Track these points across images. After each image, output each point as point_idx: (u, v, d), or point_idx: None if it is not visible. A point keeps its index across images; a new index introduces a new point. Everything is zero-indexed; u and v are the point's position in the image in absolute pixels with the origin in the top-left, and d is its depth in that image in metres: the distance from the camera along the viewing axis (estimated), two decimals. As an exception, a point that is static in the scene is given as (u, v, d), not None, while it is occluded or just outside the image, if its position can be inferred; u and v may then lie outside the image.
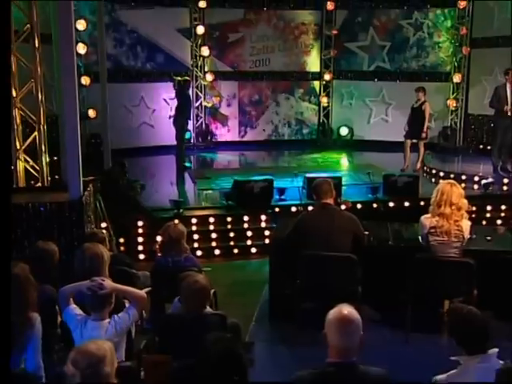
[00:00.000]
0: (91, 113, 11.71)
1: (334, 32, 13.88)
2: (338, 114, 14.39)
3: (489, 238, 5.22)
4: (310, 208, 8.34)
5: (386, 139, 13.74)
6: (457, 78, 13.50)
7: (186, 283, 3.61)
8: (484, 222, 8.67)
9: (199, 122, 13.92)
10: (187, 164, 11.27)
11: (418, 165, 10.45)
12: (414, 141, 10.88)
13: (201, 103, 13.85)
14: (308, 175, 8.88)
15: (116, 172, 7.65)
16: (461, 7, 13.27)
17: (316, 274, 4.64)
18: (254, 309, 5.85)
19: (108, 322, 3.46)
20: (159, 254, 5.07)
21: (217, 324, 3.61)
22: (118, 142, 11.96)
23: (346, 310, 2.57)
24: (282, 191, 8.82)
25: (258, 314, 5.71)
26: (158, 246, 5.32)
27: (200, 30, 13.33)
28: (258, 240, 8.01)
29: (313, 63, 14.31)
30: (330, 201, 4.84)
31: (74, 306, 3.57)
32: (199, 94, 13.82)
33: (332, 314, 2.60)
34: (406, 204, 8.76)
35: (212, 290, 5.33)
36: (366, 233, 5.37)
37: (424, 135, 10.46)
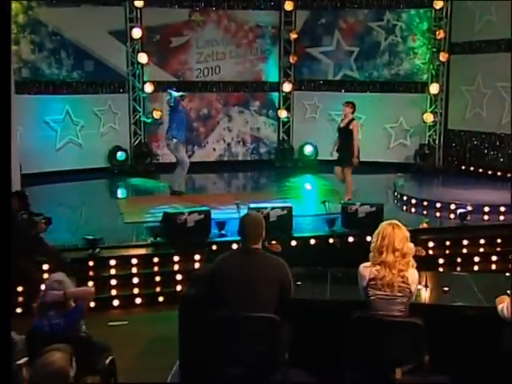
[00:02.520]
0: None
1: (294, 36, 13.77)
2: (300, 131, 14.25)
3: (446, 288, 4.92)
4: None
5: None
6: (434, 89, 13.43)
7: (37, 364, 3.21)
8: (459, 260, 8.46)
9: (136, 141, 13.56)
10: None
11: (347, 197, 10.02)
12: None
13: (139, 118, 13.51)
14: (253, 205, 8.59)
15: (13, 204, 7.21)
16: (437, 7, 13.25)
17: (232, 337, 4.27)
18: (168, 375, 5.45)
19: None
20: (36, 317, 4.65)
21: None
22: (32, 164, 11.69)
23: None
24: (221, 225, 8.47)
25: (171, 381, 5.32)
26: (34, 306, 4.90)
27: (137, 32, 13.05)
28: (190, 285, 7.62)
29: (270, 72, 14.19)
30: (257, 245, 4.51)
31: None
32: (137, 107, 13.50)
33: None
34: (368, 239, 8.42)
35: (109, 358, 4.98)
36: (299, 283, 5.04)
37: (355, 161, 9.87)
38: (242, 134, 14.22)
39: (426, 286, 5.03)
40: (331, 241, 8.42)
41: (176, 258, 7.91)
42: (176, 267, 7.88)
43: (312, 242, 8.35)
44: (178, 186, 10.95)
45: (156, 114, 13.49)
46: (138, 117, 13.51)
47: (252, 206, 8.62)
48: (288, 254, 8.07)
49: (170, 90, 11.18)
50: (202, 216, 8.27)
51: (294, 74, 14.06)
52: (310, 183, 13.19)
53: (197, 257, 7.94)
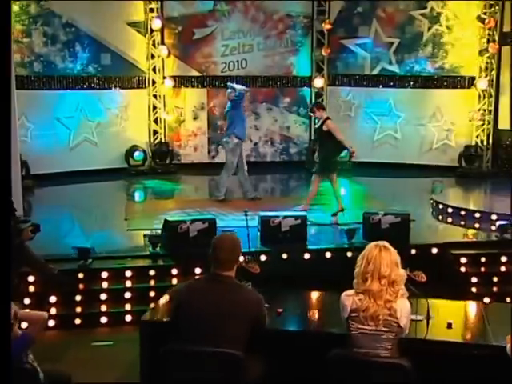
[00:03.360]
0: (9, 129, 11.19)
1: (328, 26, 13.25)
2: None
3: (451, 321, 4.39)
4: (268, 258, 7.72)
5: (395, 161, 13.13)
6: (483, 84, 12.72)
7: None
8: (495, 279, 7.85)
9: (156, 140, 13.34)
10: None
11: (306, 206, 9.43)
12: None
13: (158, 116, 13.28)
14: (263, 214, 8.22)
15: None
16: (488, -7, 12.58)
17: (185, 376, 3.88)
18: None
19: None
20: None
21: None
22: (44, 164, 11.64)
23: None
24: (228, 234, 8.10)
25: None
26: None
27: (157, 24, 12.80)
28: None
29: (301, 65, 13.75)
30: (229, 272, 4.11)
31: None
32: (157, 104, 13.26)
33: None
34: None
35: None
36: (280, 310, 4.64)
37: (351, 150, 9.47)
38: (271, 133, 13.84)
39: (428, 318, 4.52)
40: (349, 254, 7.94)
41: (174, 271, 7.54)
42: (174, 281, 7.49)
43: (327, 255, 7.91)
44: (222, 193, 10.48)
45: (177, 112, 13.26)
46: (157, 114, 13.27)
47: (262, 214, 8.27)
48: (300, 268, 7.86)
49: (231, 84, 10.82)
50: (206, 225, 7.90)
51: (328, 67, 13.61)
52: (344, 187, 12.71)
53: (197, 270, 7.55)
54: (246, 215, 7.86)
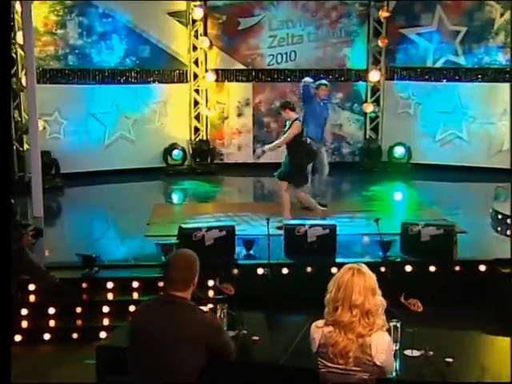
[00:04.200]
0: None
1: (385, 14, 12.72)
2: (390, 129, 13.24)
3: (450, 359, 3.89)
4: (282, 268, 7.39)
5: (460, 163, 12.56)
6: None
7: None
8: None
9: (197, 138, 13.14)
10: None
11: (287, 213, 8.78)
12: None
13: (200, 112, 13.10)
14: (287, 222, 7.87)
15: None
16: None
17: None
18: None
19: None
20: None
21: None
22: (76, 163, 11.83)
23: None
24: (249, 243, 7.80)
25: None
26: None
27: (198, 13, 12.59)
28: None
29: (356, 58, 13.23)
30: (183, 293, 3.84)
31: None
32: (198, 99, 13.07)
33: None
34: (432, 269, 7.49)
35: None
36: (255, 338, 4.27)
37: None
38: (321, 130, 13.36)
39: (427, 355, 4.03)
40: (383, 269, 7.45)
41: (185, 283, 7.27)
42: (185, 294, 7.24)
43: (358, 269, 7.44)
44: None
45: (219, 108, 13.02)
46: (199, 110, 13.06)
47: (286, 221, 7.92)
48: (326, 284, 7.43)
49: (306, 78, 10.40)
50: (224, 233, 7.63)
51: (385, 60, 13.07)
52: (401, 192, 12.21)
53: (210, 282, 7.27)
54: (267, 223, 7.59)
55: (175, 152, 12.81)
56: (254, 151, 13.42)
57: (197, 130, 13.17)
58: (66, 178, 11.72)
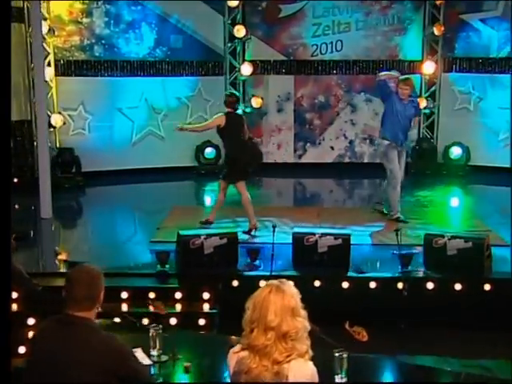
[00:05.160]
0: (56, 119, 11.27)
1: (441, -1, 12.20)
2: (447, 126, 12.80)
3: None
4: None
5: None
6: None
7: None
8: None
9: (233, 135, 12.91)
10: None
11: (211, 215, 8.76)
12: None
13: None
14: (296, 230, 7.52)
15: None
16: None
17: None
18: None
19: None
20: None
21: None
22: (102, 161, 11.85)
23: None
24: (254, 253, 7.49)
25: None
26: None
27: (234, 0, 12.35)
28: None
29: (410, 47, 12.84)
30: (86, 313, 3.58)
31: None
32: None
33: None
34: (458, 287, 6.98)
35: None
36: (187, 364, 3.97)
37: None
38: (370, 129, 12.91)
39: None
40: (400, 286, 7.03)
41: (178, 295, 7.02)
42: (178, 307, 6.99)
43: (372, 285, 7.04)
44: (397, 211, 9.30)
45: (256, 102, 12.73)
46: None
47: (296, 229, 7.58)
48: (336, 300, 7.05)
49: (381, 72, 9.84)
50: (225, 240, 7.36)
51: (443, 50, 12.62)
52: (457, 198, 11.72)
53: (205, 295, 7.02)
54: (273, 230, 7.30)
55: (208, 150, 12.59)
56: (295, 150, 13.15)
57: (232, 126, 12.90)
58: (90, 177, 11.66)
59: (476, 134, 12.53)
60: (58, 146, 11.63)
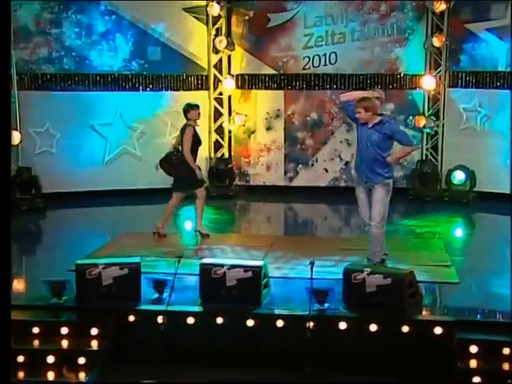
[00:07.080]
0: (14, 137, 11.24)
1: (442, 6, 11.93)
2: (451, 148, 12.49)
3: None
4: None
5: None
6: None
7: None
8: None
9: (218, 155, 12.93)
10: None
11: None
12: None
13: (221, 124, 12.87)
14: (204, 261, 7.21)
15: None
16: None
17: None
18: None
19: None
20: None
21: None
22: (69, 181, 11.89)
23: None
24: (160, 285, 7.18)
25: None
26: None
27: (215, 8, 12.20)
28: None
29: (411, 60, 12.61)
30: None
31: None
32: (220, 109, 12.70)
33: None
34: (372, 328, 6.55)
35: None
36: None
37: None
38: (367, 149, 12.57)
39: None
40: (310, 325, 6.60)
41: (64, 331, 6.77)
42: (64, 343, 6.73)
43: (279, 323, 6.65)
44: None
45: (241, 120, 12.52)
46: (221, 122, 12.76)
47: (203, 260, 7.24)
48: (239, 340, 6.67)
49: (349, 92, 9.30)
50: (126, 271, 7.06)
51: (446, 62, 12.30)
52: (460, 229, 11.30)
53: (94, 331, 6.75)
54: (178, 261, 7.02)
55: (188, 171, 12.39)
56: (285, 172, 12.89)
57: (219, 145, 12.75)
58: (52, 199, 11.59)
59: (482, 157, 12.15)
60: (19, 165, 11.58)
